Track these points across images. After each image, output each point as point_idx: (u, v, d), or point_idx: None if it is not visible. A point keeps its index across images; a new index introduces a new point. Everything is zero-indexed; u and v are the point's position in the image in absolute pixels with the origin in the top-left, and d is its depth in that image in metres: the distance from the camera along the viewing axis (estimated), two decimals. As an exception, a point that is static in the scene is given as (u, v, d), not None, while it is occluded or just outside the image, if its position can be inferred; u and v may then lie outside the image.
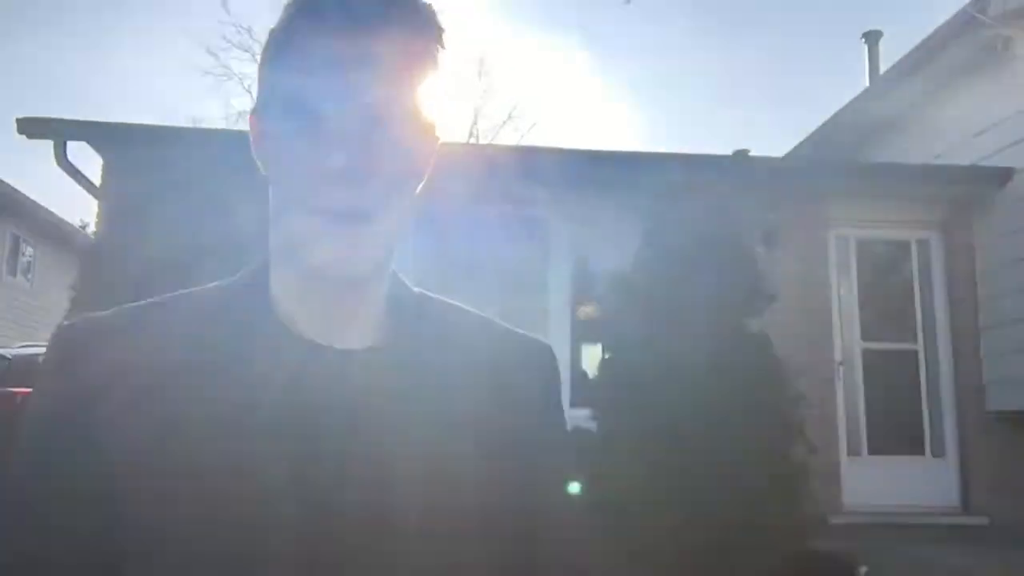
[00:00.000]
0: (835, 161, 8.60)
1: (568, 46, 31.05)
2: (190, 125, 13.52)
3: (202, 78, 31.93)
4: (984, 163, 6.89)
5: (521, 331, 0.92)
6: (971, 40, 6.71)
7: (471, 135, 21.57)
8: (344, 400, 0.76)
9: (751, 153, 7.94)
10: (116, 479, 0.72)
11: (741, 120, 30.61)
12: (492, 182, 6.48)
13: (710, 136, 33.47)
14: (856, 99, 8.65)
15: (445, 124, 0.82)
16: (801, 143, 9.63)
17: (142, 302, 0.83)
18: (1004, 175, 6.69)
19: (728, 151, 6.76)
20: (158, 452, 0.72)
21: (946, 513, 6.64)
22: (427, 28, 0.77)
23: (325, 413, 0.75)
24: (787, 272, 6.64)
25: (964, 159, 7.10)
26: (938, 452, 6.86)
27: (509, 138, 20.24)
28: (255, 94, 0.82)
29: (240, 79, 25.28)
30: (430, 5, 0.78)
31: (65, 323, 0.81)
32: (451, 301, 0.91)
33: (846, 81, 27.74)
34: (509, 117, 22.95)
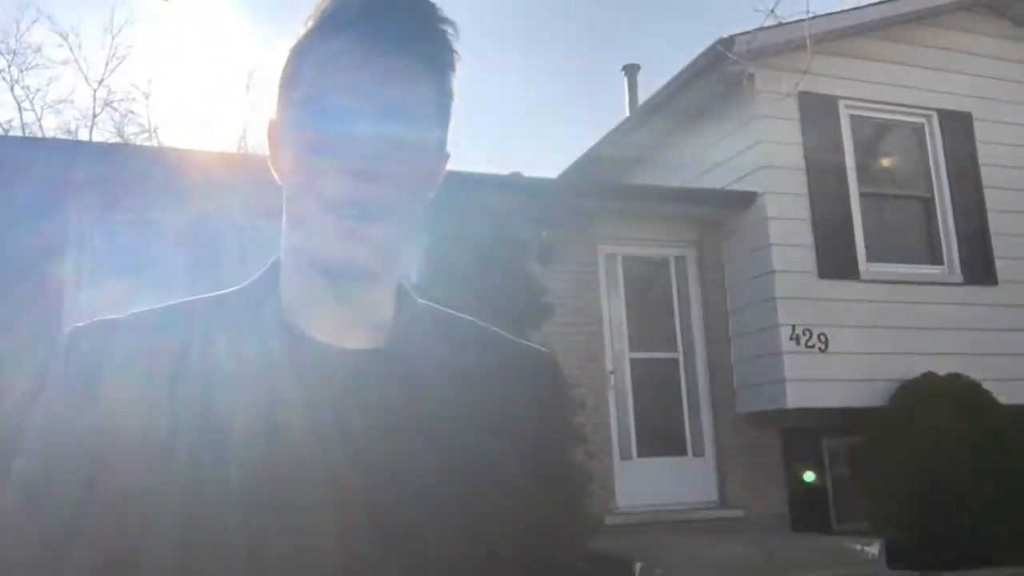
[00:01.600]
0: (602, 183, 9.13)
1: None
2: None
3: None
4: (732, 187, 7.61)
5: (524, 341, 0.95)
6: (719, 75, 7.40)
7: (240, 149, 20.58)
8: (354, 399, 0.77)
9: (524, 174, 8.20)
10: (129, 478, 0.72)
11: (516, 145, 31.73)
12: (270, 197, 6.22)
13: (485, 160, 34.42)
14: (618, 127, 9.26)
15: (444, 141, 0.86)
16: (571, 166, 10.15)
17: (154, 306, 0.84)
18: (748, 199, 7.42)
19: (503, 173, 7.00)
20: (171, 452, 0.72)
21: (707, 508, 7.20)
22: (442, 53, 0.81)
23: (336, 412, 0.76)
24: (562, 288, 6.93)
25: (715, 183, 7.81)
26: (698, 452, 7.43)
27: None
28: (274, 106, 0.84)
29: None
30: (445, 28, 0.81)
31: (77, 324, 0.80)
32: (458, 314, 0.93)
33: (613, 108, 29.68)
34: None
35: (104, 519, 0.72)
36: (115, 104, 22.00)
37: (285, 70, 0.82)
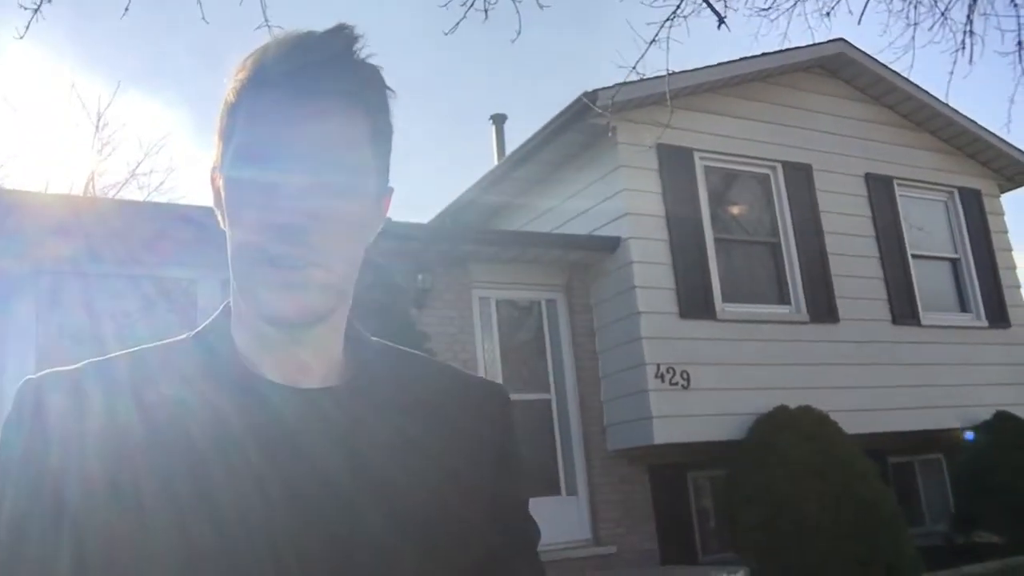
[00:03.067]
0: (474, 229, 9.30)
1: (184, 103, 29.73)
2: None
3: None
4: (597, 233, 7.92)
5: (477, 375, 0.98)
6: (585, 127, 7.74)
7: (87, 192, 19.43)
8: (310, 438, 0.79)
9: (395, 219, 8.27)
10: (85, 532, 0.72)
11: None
12: (126, 241, 6.01)
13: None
14: (488, 174, 9.47)
15: (384, 178, 0.88)
16: (443, 211, 10.27)
17: (109, 355, 0.83)
18: (613, 243, 7.74)
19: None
20: (128, 502, 0.72)
21: (580, 546, 7.34)
22: (372, 95, 0.83)
23: (292, 451, 0.78)
24: (438, 331, 7.00)
25: (582, 229, 8.11)
26: (571, 491, 7.59)
27: (133, 196, 18.56)
28: (215, 155, 0.85)
29: None
30: (376, 71, 0.83)
31: (31, 376, 0.79)
32: (409, 349, 0.95)
33: (480, 156, 30.18)
34: (132, 174, 20.90)
35: (58, 570, 0.72)
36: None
37: (220, 123, 0.84)
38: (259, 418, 0.79)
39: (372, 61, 0.84)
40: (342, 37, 0.81)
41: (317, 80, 0.79)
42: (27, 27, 4.98)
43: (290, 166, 0.78)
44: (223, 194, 0.83)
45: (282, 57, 0.79)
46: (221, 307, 0.89)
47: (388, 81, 0.86)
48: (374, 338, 0.93)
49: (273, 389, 0.81)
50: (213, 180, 0.87)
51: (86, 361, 0.82)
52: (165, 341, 0.87)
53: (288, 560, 0.74)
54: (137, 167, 23.01)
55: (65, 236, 5.88)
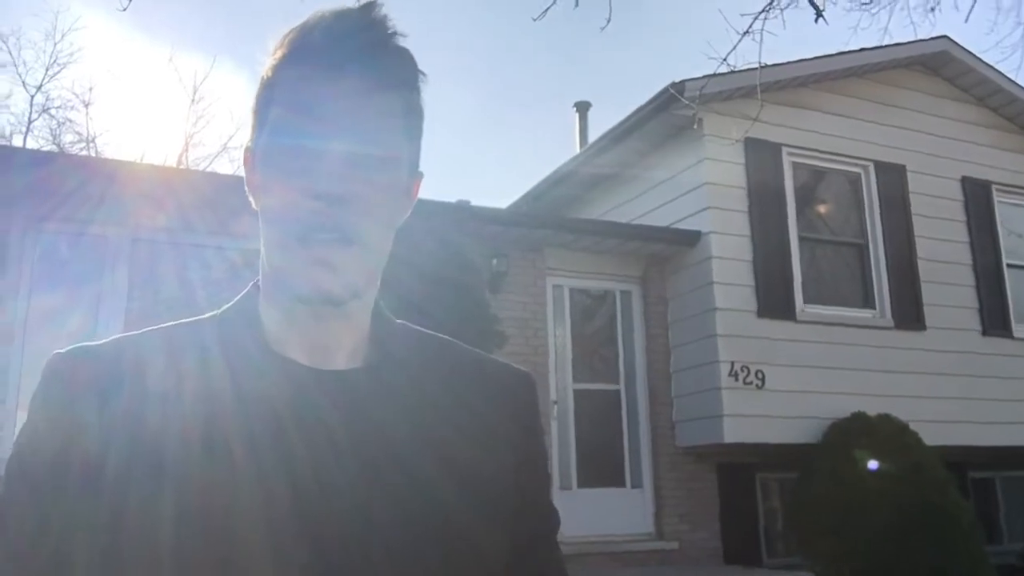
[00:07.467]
0: (551, 216, 9.27)
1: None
2: None
3: None
4: (678, 226, 7.81)
5: (501, 359, 0.97)
6: (670, 117, 7.62)
7: (181, 163, 20.20)
8: (335, 419, 0.79)
9: (474, 204, 8.31)
10: (111, 507, 0.72)
11: (463, 175, 31.81)
12: (217, 212, 6.20)
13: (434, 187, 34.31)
14: (568, 162, 9.42)
15: (416, 161, 0.88)
16: (520, 198, 10.27)
17: (136, 332, 0.83)
18: (693, 237, 7.62)
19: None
20: (154, 479, 0.73)
21: (643, 539, 7.29)
22: (406, 69, 0.84)
23: (317, 432, 0.78)
24: (510, 316, 7.02)
25: (661, 221, 8.00)
26: (636, 484, 7.54)
27: (224, 169, 19.22)
28: (249, 132, 0.85)
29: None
30: (409, 54, 0.84)
31: (59, 351, 0.80)
32: (432, 332, 0.94)
33: (563, 144, 30.04)
34: (224, 147, 21.65)
35: (90, 547, 0.73)
36: (53, 111, 21.42)
37: (257, 99, 0.84)
38: (275, 397, 0.78)
39: (402, 43, 0.83)
40: (377, 16, 0.82)
41: (354, 54, 0.79)
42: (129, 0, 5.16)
43: (332, 135, 0.78)
44: (259, 170, 0.83)
45: (320, 35, 0.80)
46: (250, 284, 0.88)
47: (423, 66, 0.85)
48: (399, 320, 0.92)
49: (297, 371, 0.81)
50: (245, 160, 0.86)
51: (114, 336, 0.84)
52: (193, 318, 0.87)
53: (308, 540, 0.74)
54: (229, 140, 23.58)
55: (158, 205, 6.11)
